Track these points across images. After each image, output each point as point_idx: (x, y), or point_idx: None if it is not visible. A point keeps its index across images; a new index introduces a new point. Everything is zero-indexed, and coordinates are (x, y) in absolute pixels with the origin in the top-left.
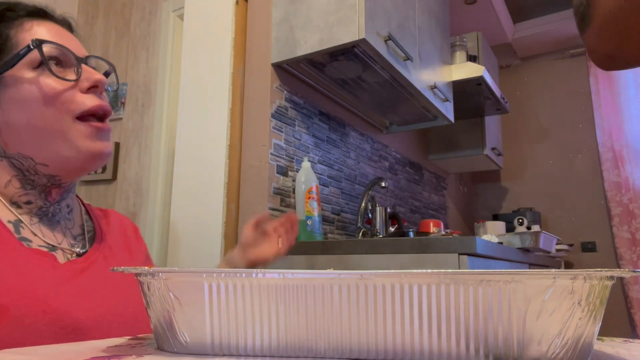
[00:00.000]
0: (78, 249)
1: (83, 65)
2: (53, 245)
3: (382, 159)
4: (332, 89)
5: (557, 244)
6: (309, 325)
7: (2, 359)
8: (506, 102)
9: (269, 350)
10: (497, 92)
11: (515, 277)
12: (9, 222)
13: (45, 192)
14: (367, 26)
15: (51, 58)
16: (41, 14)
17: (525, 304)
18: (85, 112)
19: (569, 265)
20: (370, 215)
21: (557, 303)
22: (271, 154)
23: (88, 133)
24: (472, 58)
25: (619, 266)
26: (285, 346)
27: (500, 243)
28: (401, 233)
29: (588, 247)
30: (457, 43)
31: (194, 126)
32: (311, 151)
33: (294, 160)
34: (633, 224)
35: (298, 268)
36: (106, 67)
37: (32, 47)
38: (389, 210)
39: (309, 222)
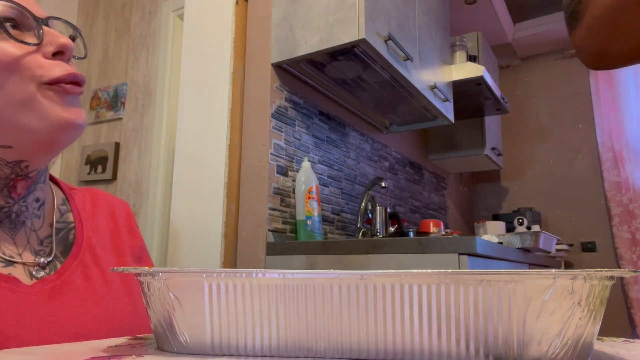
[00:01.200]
0: (42, 258)
1: (45, 28)
2: (10, 260)
3: (382, 159)
4: (332, 89)
5: (557, 244)
6: (309, 325)
7: (2, 359)
8: (506, 102)
9: (269, 350)
10: (497, 92)
11: (515, 277)
12: None
13: (9, 187)
14: (367, 26)
15: (6, 19)
16: None
17: (525, 304)
18: (54, 80)
19: (568, 265)
20: (370, 215)
21: (557, 303)
22: (271, 154)
23: (57, 99)
24: (472, 58)
25: (619, 266)
26: (285, 346)
27: (500, 243)
28: (401, 233)
29: (588, 247)
30: (457, 43)
31: (194, 126)
32: (311, 151)
33: (294, 160)
34: (633, 224)
35: (298, 268)
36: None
37: None
38: (389, 210)
39: (309, 222)
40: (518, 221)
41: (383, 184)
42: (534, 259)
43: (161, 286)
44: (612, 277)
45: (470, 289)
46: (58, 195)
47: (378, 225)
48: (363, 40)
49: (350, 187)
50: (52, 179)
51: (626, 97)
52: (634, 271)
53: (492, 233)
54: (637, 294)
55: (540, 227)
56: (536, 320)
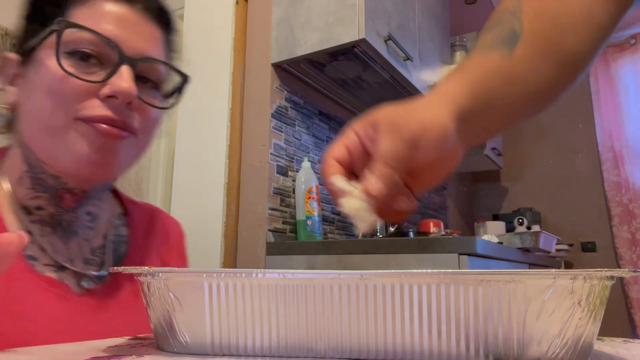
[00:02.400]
0: (93, 269)
1: (123, 68)
2: (62, 265)
3: None
4: (332, 89)
5: (557, 244)
6: (309, 325)
7: (2, 359)
8: None
9: (269, 350)
10: None
11: (515, 277)
12: None
13: (57, 196)
14: (367, 26)
15: (80, 47)
16: None
17: (525, 304)
18: (87, 117)
19: (568, 265)
20: None
21: (557, 303)
22: (271, 154)
23: (89, 137)
24: None
25: (619, 266)
26: (285, 346)
27: (500, 243)
28: (401, 233)
29: (588, 247)
30: (457, 43)
31: (194, 126)
32: (311, 151)
33: (294, 160)
34: (633, 224)
35: (298, 268)
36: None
37: (54, 29)
38: None
39: (309, 222)
40: (518, 221)
41: None
42: (534, 259)
43: (161, 286)
44: (612, 277)
45: (470, 289)
46: (115, 210)
47: (378, 225)
48: (363, 40)
49: None
50: (116, 193)
51: (626, 97)
52: (634, 271)
53: (492, 233)
54: (637, 294)
55: (540, 227)
56: (536, 320)
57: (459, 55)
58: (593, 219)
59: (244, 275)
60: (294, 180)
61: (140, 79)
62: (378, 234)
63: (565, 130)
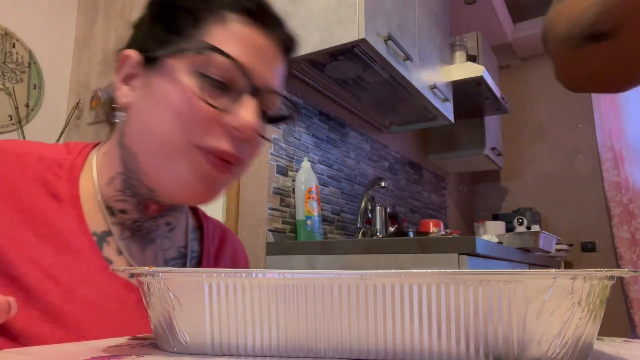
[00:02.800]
0: None
1: (247, 99)
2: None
3: (382, 159)
4: (332, 89)
5: (556, 243)
6: (309, 325)
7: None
8: (506, 102)
9: (269, 350)
10: (497, 92)
11: (515, 277)
12: (95, 233)
13: (143, 204)
14: (367, 26)
15: (216, 71)
16: (260, 19)
17: (525, 304)
18: (206, 148)
19: (568, 265)
20: (370, 215)
21: (557, 303)
22: (271, 153)
23: (201, 167)
24: (471, 58)
25: (618, 266)
26: (285, 346)
27: (500, 243)
28: (401, 233)
29: (588, 247)
30: (457, 43)
31: None
32: (311, 151)
33: (294, 160)
34: (633, 224)
35: (298, 268)
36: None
37: (199, 50)
38: (388, 210)
39: (308, 222)
40: (518, 221)
41: (383, 184)
42: (534, 259)
43: (161, 286)
44: (612, 277)
45: (470, 289)
46: (191, 223)
47: (378, 225)
48: (363, 40)
49: (350, 187)
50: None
51: (626, 97)
52: (634, 271)
53: (492, 233)
54: (637, 294)
55: (540, 227)
56: (536, 320)
57: (458, 55)
58: (593, 219)
59: (244, 275)
60: (293, 180)
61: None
62: (378, 234)
63: (565, 130)
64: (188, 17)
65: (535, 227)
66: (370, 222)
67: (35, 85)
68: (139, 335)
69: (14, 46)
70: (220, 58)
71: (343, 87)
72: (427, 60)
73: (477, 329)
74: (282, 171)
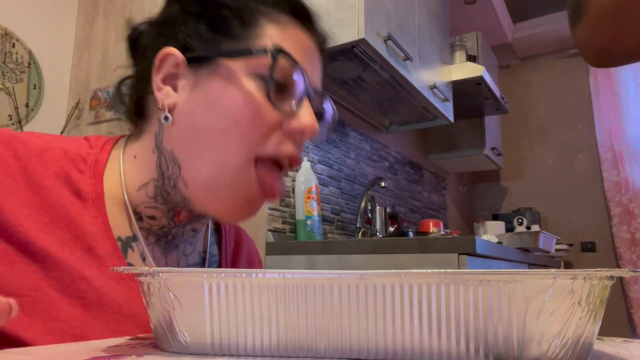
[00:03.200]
0: None
1: (307, 103)
2: None
3: (381, 159)
4: (331, 88)
5: (556, 243)
6: (309, 325)
7: (2, 359)
8: (506, 102)
9: (269, 350)
10: (497, 92)
11: (515, 277)
12: (119, 239)
13: (174, 211)
14: (367, 26)
15: (279, 75)
16: (305, 18)
17: (525, 304)
18: (270, 156)
19: (568, 265)
20: (370, 215)
21: (557, 303)
22: None
23: (265, 174)
24: (471, 58)
25: (618, 266)
26: (285, 346)
27: (500, 243)
28: (401, 233)
29: (588, 247)
30: (457, 43)
31: None
32: (311, 151)
33: None
34: (633, 224)
35: (298, 268)
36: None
37: (267, 53)
38: (388, 210)
39: (308, 222)
40: (518, 221)
41: (383, 184)
42: (534, 258)
43: (161, 286)
44: (612, 277)
45: (470, 289)
46: (211, 226)
47: (378, 225)
48: (363, 40)
49: (350, 187)
50: None
51: (626, 97)
52: (634, 271)
53: (491, 233)
54: (637, 294)
55: (540, 227)
56: (536, 320)
57: (458, 55)
58: (593, 219)
59: (244, 275)
60: (293, 180)
61: None
62: (378, 234)
63: (565, 130)
64: (236, 16)
65: (535, 227)
66: (370, 222)
67: (35, 85)
68: (139, 335)
69: (13, 46)
70: (282, 61)
71: (343, 87)
72: (427, 60)
73: (477, 328)
74: None
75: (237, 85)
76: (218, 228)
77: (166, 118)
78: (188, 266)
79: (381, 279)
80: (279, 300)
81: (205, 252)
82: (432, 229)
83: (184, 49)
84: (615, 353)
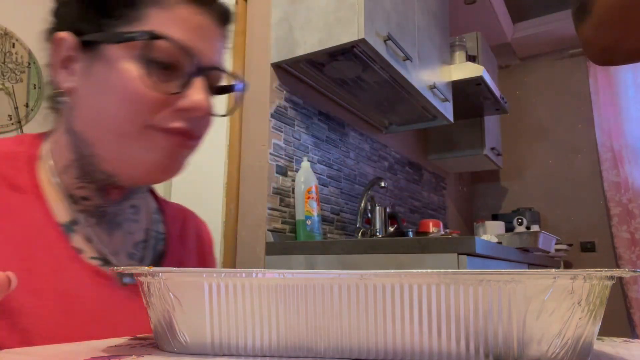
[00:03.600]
0: (134, 259)
1: (198, 80)
2: (105, 259)
3: (381, 159)
4: (331, 89)
5: (556, 243)
6: (309, 325)
7: (2, 359)
8: (505, 102)
9: (269, 350)
10: (497, 92)
11: (515, 277)
12: (61, 224)
13: (104, 189)
14: (367, 26)
15: (161, 56)
16: None
17: (525, 304)
18: (164, 129)
19: (568, 265)
20: (369, 215)
21: (557, 303)
22: (270, 154)
23: (161, 145)
24: (471, 58)
25: (618, 266)
26: (285, 346)
27: (500, 243)
28: (400, 233)
29: (587, 247)
30: (457, 43)
31: None
32: (310, 151)
33: (294, 160)
34: (632, 223)
35: (298, 268)
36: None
37: (142, 38)
38: (388, 210)
39: (308, 222)
40: (517, 221)
41: (382, 184)
42: (533, 258)
43: (161, 286)
44: (612, 277)
45: (470, 289)
46: (152, 205)
47: (377, 225)
48: (362, 40)
49: (349, 187)
50: (150, 189)
51: (626, 97)
52: (634, 271)
53: (491, 233)
54: (637, 294)
55: (540, 227)
56: (536, 320)
57: (458, 55)
58: (592, 219)
59: (243, 275)
60: (293, 180)
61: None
62: (378, 234)
63: (564, 130)
64: (125, 2)
65: (534, 227)
66: (369, 222)
67: (35, 85)
68: (139, 335)
69: (13, 46)
70: (164, 42)
71: (342, 87)
72: (427, 60)
73: (477, 328)
74: (282, 171)
75: (122, 70)
76: (162, 209)
77: (61, 101)
78: (134, 243)
79: (381, 279)
80: (279, 300)
81: (148, 230)
82: (431, 229)
83: (77, 33)
84: (615, 353)
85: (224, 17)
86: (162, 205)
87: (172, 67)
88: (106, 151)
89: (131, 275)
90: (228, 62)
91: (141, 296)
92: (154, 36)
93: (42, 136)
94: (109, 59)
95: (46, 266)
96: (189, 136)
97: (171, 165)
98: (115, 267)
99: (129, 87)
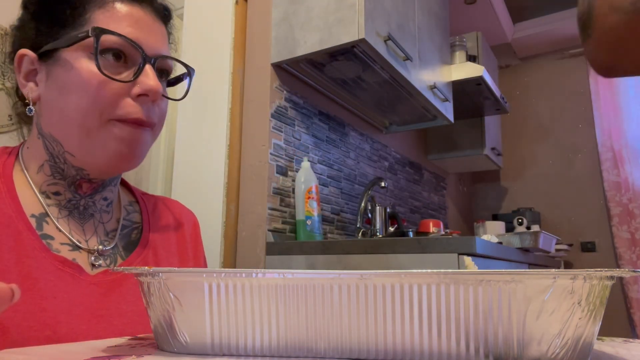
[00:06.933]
0: (105, 246)
1: (147, 67)
2: (77, 245)
3: (381, 159)
4: (331, 89)
5: (556, 243)
6: (309, 325)
7: (2, 359)
8: (506, 102)
9: (269, 350)
10: (497, 92)
11: (515, 277)
12: (33, 216)
13: (75, 184)
14: (367, 26)
15: (110, 50)
16: None
17: (525, 304)
18: (121, 118)
19: (568, 265)
20: (369, 215)
21: (557, 303)
22: (271, 154)
23: (121, 135)
24: (471, 58)
25: (618, 266)
26: (285, 346)
27: (500, 243)
28: (401, 233)
29: (587, 247)
30: (457, 43)
31: (194, 126)
32: (311, 151)
33: (294, 160)
34: (632, 224)
35: (298, 268)
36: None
37: (90, 35)
38: (388, 210)
39: (308, 222)
40: (517, 221)
41: (383, 184)
42: (534, 259)
43: (161, 286)
44: (612, 277)
45: (470, 289)
46: (125, 198)
47: (378, 225)
48: (363, 40)
49: (349, 187)
50: (124, 184)
51: (626, 97)
52: (634, 271)
53: (491, 233)
54: (637, 294)
55: (540, 227)
56: (536, 320)
57: (458, 55)
58: (592, 219)
59: (244, 275)
60: (293, 180)
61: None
62: (378, 234)
63: (565, 130)
64: (69, 9)
65: (535, 227)
66: (370, 222)
67: None
68: (139, 335)
69: None
70: (110, 37)
71: (343, 87)
72: (427, 60)
73: (477, 328)
74: (282, 171)
75: (75, 68)
76: (138, 201)
77: (30, 110)
78: (106, 232)
79: (381, 279)
80: (279, 300)
81: (125, 219)
82: (432, 229)
83: (35, 48)
84: (615, 353)
85: (163, 13)
86: (142, 198)
87: (123, 59)
88: (73, 147)
89: (102, 256)
90: (228, 62)
91: (108, 283)
92: (99, 32)
93: (17, 148)
94: (66, 62)
95: (10, 254)
96: (146, 124)
97: (131, 154)
98: (115, 267)
99: (86, 82)
